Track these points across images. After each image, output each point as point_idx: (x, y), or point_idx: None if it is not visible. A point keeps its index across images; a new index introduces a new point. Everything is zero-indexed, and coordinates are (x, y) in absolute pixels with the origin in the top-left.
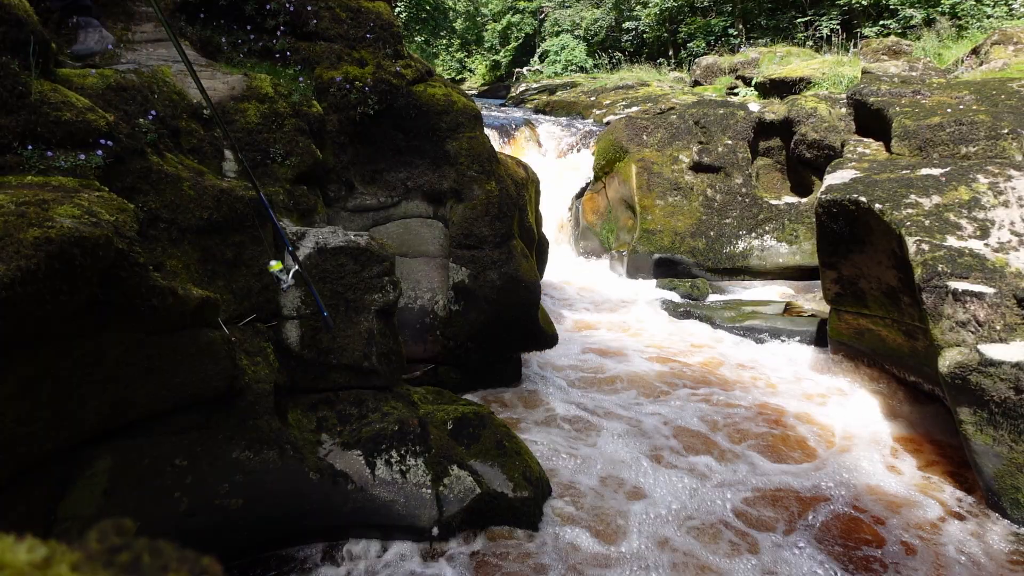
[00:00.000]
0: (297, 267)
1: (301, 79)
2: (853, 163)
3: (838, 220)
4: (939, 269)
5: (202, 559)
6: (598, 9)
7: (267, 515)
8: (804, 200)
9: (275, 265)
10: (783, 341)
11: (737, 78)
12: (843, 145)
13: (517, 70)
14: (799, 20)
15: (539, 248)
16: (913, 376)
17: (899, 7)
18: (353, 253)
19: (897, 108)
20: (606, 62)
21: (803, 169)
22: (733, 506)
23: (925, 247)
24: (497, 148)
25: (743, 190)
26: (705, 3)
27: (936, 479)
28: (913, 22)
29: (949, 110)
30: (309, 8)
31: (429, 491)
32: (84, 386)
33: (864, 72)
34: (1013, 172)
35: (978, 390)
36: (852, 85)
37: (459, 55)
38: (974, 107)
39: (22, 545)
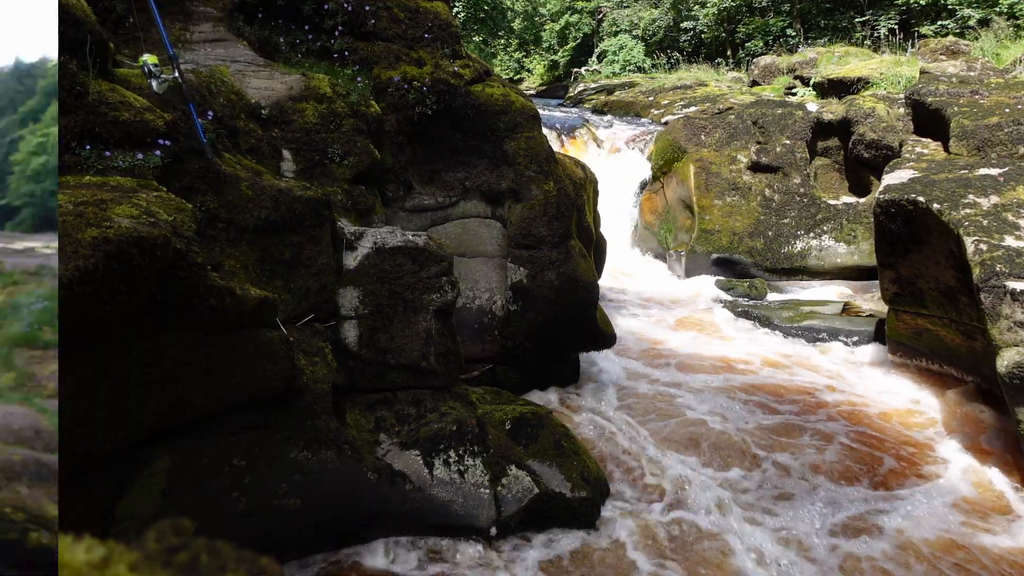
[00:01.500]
0: (177, 73)
1: (359, 79)
2: (911, 163)
3: (896, 220)
4: (997, 269)
5: (260, 559)
6: (656, 9)
7: (325, 515)
8: (862, 200)
9: (150, 58)
10: (842, 341)
11: (795, 78)
12: (901, 145)
13: (575, 70)
14: (857, 20)
15: (597, 248)
16: (971, 376)
17: (957, 7)
18: (411, 253)
19: (955, 108)
20: (664, 62)
21: (861, 169)
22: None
23: (983, 247)
24: (555, 148)
25: (801, 190)
26: (763, 3)
27: (993, 477)
28: (971, 22)
29: (1007, 110)
30: (367, 8)
31: (487, 491)
32: (142, 386)
33: (922, 72)
34: None
35: None
36: (910, 85)
37: (517, 55)
38: None
39: (80, 545)
